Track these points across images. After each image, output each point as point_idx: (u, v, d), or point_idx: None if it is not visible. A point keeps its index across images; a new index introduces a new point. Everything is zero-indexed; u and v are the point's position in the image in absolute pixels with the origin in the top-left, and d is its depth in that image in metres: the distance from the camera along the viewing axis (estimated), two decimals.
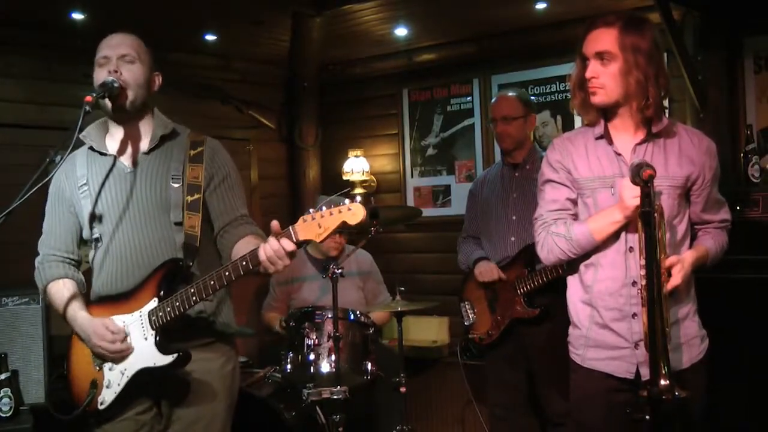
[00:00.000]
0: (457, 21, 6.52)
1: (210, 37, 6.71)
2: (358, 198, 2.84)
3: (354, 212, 2.79)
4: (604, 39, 3.09)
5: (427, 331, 6.97)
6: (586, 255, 3.22)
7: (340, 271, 4.55)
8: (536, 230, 3.31)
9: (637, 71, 3.06)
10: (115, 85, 3.12)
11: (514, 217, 4.86)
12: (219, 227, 3.30)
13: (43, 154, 5.50)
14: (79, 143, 3.24)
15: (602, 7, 5.61)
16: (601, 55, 3.08)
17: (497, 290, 4.87)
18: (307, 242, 2.90)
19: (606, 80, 3.08)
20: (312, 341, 4.71)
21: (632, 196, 2.93)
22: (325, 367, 4.65)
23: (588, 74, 3.10)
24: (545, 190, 3.31)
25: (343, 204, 2.80)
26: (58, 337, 4.65)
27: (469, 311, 4.99)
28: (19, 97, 5.96)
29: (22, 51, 5.94)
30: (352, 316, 4.86)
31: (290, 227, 2.87)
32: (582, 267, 3.26)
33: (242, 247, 3.17)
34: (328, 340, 4.66)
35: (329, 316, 4.69)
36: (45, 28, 5.91)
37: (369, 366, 4.79)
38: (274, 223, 2.89)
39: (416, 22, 6.56)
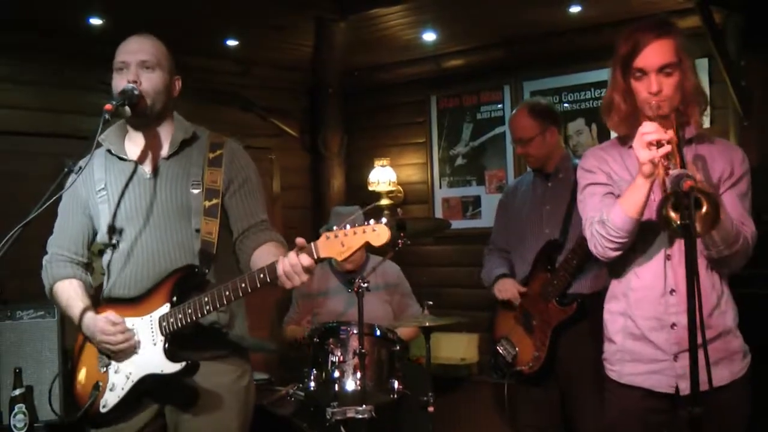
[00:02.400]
0: (488, 25, 6.52)
1: (231, 42, 6.75)
2: (384, 219, 2.86)
3: (378, 233, 2.82)
4: (666, 50, 3.10)
5: (456, 348, 6.96)
6: (624, 261, 3.20)
7: (366, 284, 4.55)
8: (584, 231, 3.30)
9: (692, 76, 3.11)
10: (135, 92, 3.14)
11: (547, 231, 4.80)
12: (238, 233, 3.31)
13: (59, 163, 5.59)
14: (97, 146, 3.26)
15: (638, 10, 5.60)
16: (665, 68, 3.09)
17: (527, 308, 4.82)
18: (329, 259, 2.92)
19: (669, 92, 3.09)
20: (336, 358, 4.69)
21: (640, 145, 2.92)
22: (350, 384, 4.64)
23: (654, 88, 3.09)
24: (585, 195, 3.30)
25: (368, 224, 2.83)
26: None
27: (507, 347, 4.87)
28: (33, 104, 6.02)
29: (36, 57, 5.99)
30: (378, 332, 4.84)
31: (312, 243, 2.89)
32: (622, 273, 3.25)
33: (261, 254, 3.19)
34: (353, 357, 4.64)
35: (354, 331, 4.68)
36: (60, 34, 5.97)
37: (395, 384, 4.76)
38: (300, 240, 2.90)
39: (445, 26, 6.57)
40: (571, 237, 4.64)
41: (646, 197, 3.00)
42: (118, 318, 3.18)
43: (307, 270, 2.88)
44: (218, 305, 3.05)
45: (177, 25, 5.83)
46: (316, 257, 2.87)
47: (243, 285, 3.00)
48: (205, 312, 3.07)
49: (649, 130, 2.92)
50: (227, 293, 3.03)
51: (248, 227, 3.30)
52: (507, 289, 4.85)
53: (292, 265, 2.87)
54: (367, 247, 2.87)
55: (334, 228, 2.86)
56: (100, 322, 3.18)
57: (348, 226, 2.84)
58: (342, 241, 2.84)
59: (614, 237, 3.10)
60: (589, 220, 3.24)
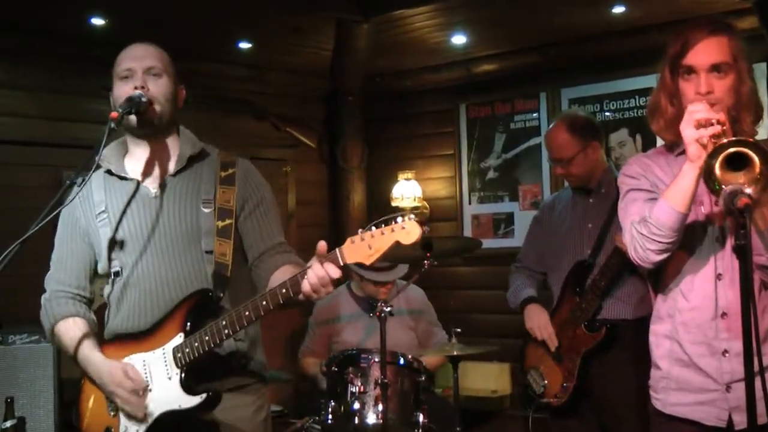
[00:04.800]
0: (523, 27, 6.53)
1: (243, 45, 6.78)
2: (413, 215, 2.82)
3: (408, 231, 2.77)
4: (718, 48, 3.08)
5: (486, 379, 6.94)
6: (670, 277, 3.19)
7: (388, 309, 4.55)
8: (624, 237, 3.27)
9: (749, 81, 3.08)
10: (143, 99, 3.15)
11: (588, 251, 4.80)
12: (254, 256, 3.31)
13: (57, 175, 5.64)
14: (97, 166, 3.26)
15: (688, 10, 5.60)
16: (717, 67, 3.07)
17: (557, 337, 4.81)
18: (356, 265, 2.89)
19: (721, 94, 3.07)
20: (356, 388, 4.69)
21: (687, 124, 2.91)
22: (371, 418, 4.63)
23: (704, 89, 3.08)
24: (626, 201, 3.28)
25: (396, 222, 2.79)
26: (71, 381, 4.68)
27: (537, 378, 4.87)
28: (30, 111, 6.05)
29: (33, 61, 6.03)
30: (401, 361, 4.84)
31: (336, 249, 2.86)
32: (667, 292, 3.23)
33: (279, 278, 3.14)
34: (374, 388, 4.64)
35: (376, 360, 4.68)
36: (59, 35, 6.00)
37: (420, 418, 4.76)
38: (322, 245, 2.89)
39: (476, 28, 6.58)
40: (603, 256, 4.64)
41: (694, 187, 2.93)
42: (138, 373, 3.16)
43: (335, 281, 2.88)
44: (237, 328, 3.03)
45: (185, 26, 5.87)
46: (341, 263, 2.85)
47: (264, 303, 2.98)
48: (224, 337, 3.05)
49: (698, 108, 2.91)
50: (247, 314, 3.00)
51: (265, 250, 3.30)
52: (541, 328, 4.83)
53: (319, 277, 2.85)
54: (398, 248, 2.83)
55: (360, 231, 2.85)
56: (117, 373, 3.16)
57: (374, 228, 2.82)
58: (369, 243, 2.80)
59: (657, 236, 3.02)
60: (629, 225, 3.22)
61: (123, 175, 3.31)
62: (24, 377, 4.76)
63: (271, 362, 3.51)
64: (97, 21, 5.83)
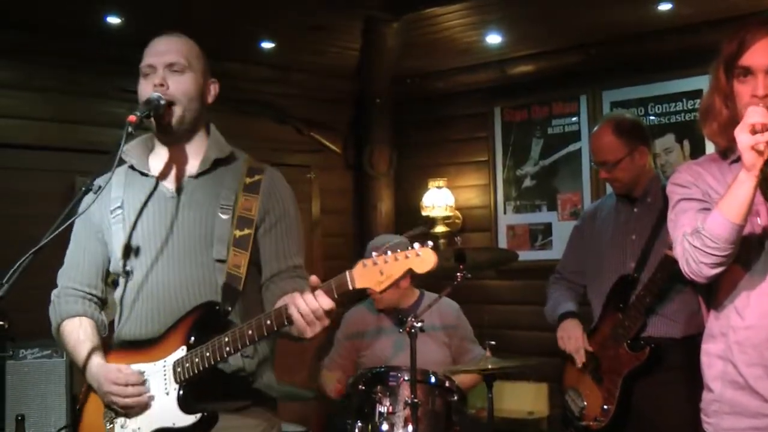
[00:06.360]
0: (561, 25, 6.51)
1: (266, 45, 6.79)
2: (430, 243, 2.80)
3: (423, 258, 2.76)
4: None
5: (523, 399, 6.92)
6: (722, 292, 3.16)
7: (419, 324, 4.53)
8: (675, 250, 3.24)
9: None
10: (161, 102, 3.14)
11: (632, 264, 4.77)
12: (266, 276, 3.29)
13: (70, 181, 5.65)
14: (119, 162, 3.26)
15: (741, 7, 5.55)
16: None
17: (597, 355, 4.79)
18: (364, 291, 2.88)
19: None
20: (385, 408, 4.68)
21: (742, 129, 2.87)
22: None
23: (762, 91, 3.05)
24: (677, 212, 3.25)
25: (412, 248, 2.77)
26: None
27: (575, 399, 4.86)
28: (42, 114, 6.07)
29: (45, 61, 6.05)
30: (432, 379, 4.83)
31: (347, 272, 2.84)
32: (720, 309, 3.20)
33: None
34: (404, 408, 4.63)
35: (405, 378, 4.67)
36: (73, 34, 6.02)
37: None
38: (314, 279, 2.87)
39: (511, 27, 6.56)
40: (648, 271, 4.61)
41: (750, 197, 2.88)
42: (131, 369, 3.17)
43: (329, 314, 2.84)
44: (240, 346, 3.01)
45: (204, 24, 5.87)
46: (351, 287, 2.82)
47: (268, 323, 2.96)
48: (225, 354, 3.03)
49: (754, 113, 2.88)
50: (250, 332, 2.98)
51: (278, 272, 3.27)
52: (572, 341, 4.81)
53: (313, 309, 2.83)
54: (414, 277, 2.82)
55: (374, 254, 2.83)
56: (112, 373, 3.17)
57: (389, 252, 2.81)
58: (381, 269, 2.79)
59: (712, 249, 2.98)
60: (680, 238, 3.18)
61: (144, 171, 3.31)
62: (35, 394, 4.77)
63: (296, 378, 3.48)
64: (113, 20, 5.86)
